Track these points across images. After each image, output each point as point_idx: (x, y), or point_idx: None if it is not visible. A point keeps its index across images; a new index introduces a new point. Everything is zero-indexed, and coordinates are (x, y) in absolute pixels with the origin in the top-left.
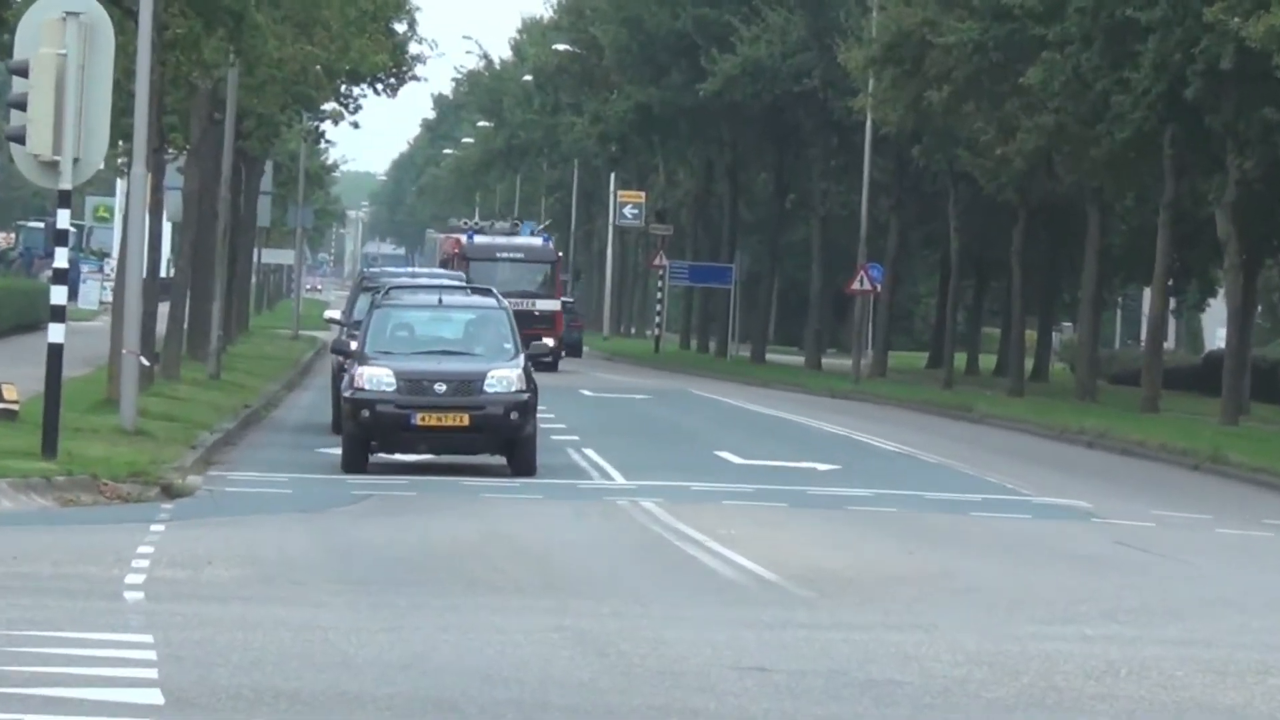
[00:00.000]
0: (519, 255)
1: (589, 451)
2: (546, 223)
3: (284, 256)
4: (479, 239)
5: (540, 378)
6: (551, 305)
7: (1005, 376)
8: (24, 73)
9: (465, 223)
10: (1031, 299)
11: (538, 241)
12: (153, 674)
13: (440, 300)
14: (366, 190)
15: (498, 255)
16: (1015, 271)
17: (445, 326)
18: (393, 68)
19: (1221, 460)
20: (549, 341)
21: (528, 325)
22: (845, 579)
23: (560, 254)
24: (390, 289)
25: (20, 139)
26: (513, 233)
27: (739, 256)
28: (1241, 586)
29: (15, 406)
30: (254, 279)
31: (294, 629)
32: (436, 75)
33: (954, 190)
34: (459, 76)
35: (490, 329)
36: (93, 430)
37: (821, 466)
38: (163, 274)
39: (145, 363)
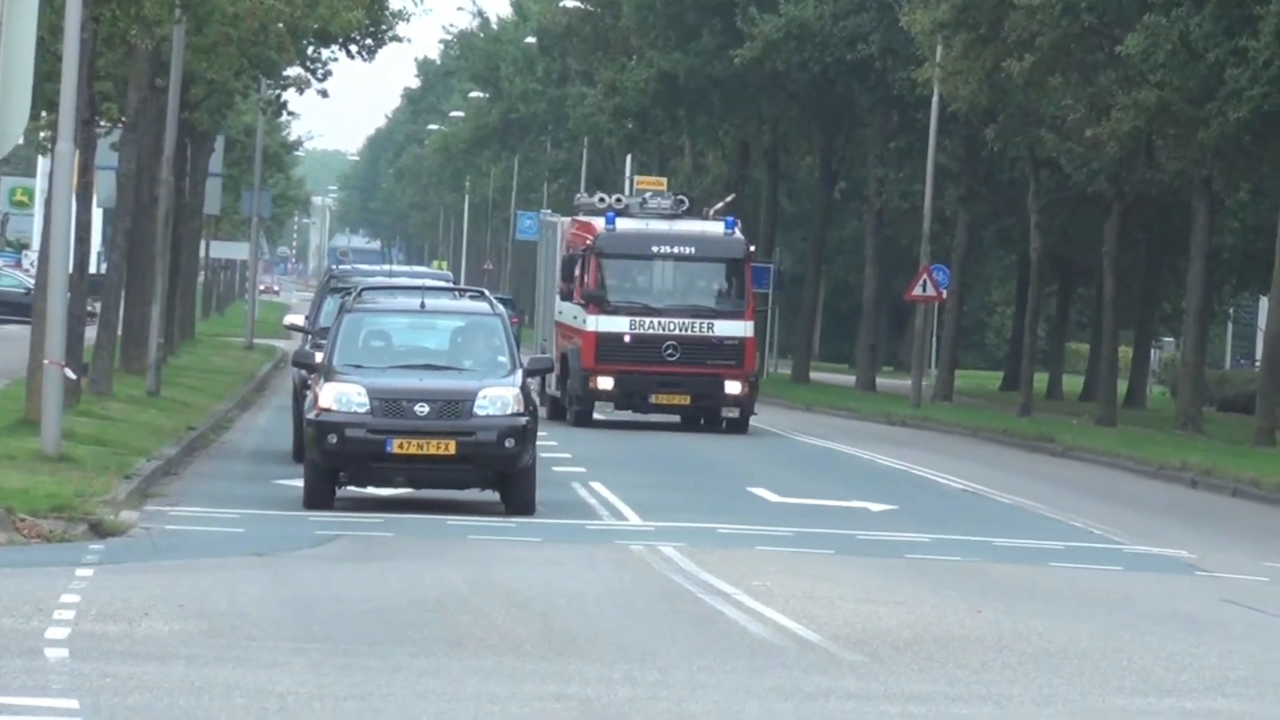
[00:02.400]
0: (689, 249)
1: (598, 486)
2: (729, 199)
3: (237, 250)
4: (624, 224)
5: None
6: (738, 329)
7: (1094, 401)
8: None
9: (601, 199)
10: (1126, 310)
11: (718, 228)
12: None
13: (423, 304)
14: (336, 172)
15: (656, 250)
16: (1107, 277)
17: (428, 336)
18: (369, 26)
19: None
20: (734, 389)
21: (699, 360)
22: (901, 640)
23: (753, 246)
24: (363, 290)
25: None
26: (678, 213)
27: (778, 255)
28: None
29: None
30: (201, 277)
31: (247, 694)
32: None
33: (1035, 179)
34: (448, 38)
35: (482, 339)
36: (8, 456)
37: (874, 507)
38: (93, 270)
39: (71, 375)
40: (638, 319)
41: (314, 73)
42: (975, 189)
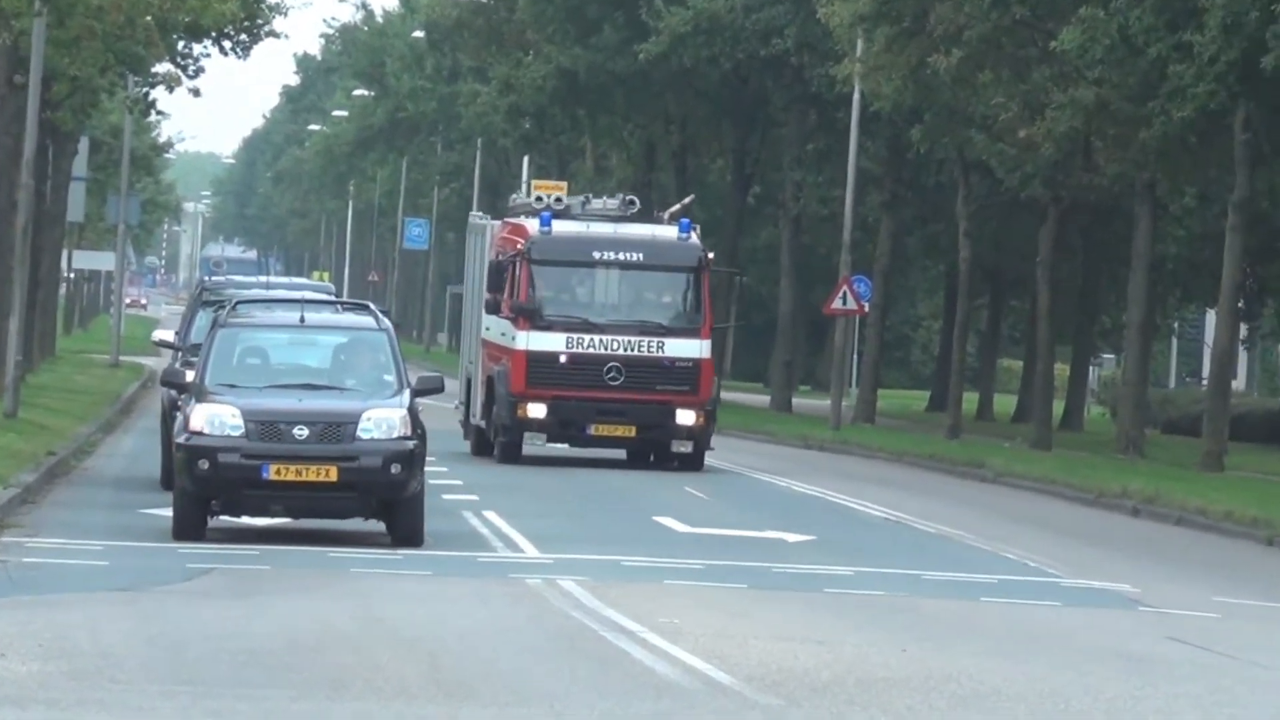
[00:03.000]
0: (636, 256)
1: (491, 516)
2: (686, 200)
3: (102, 260)
4: (561, 227)
5: (430, 417)
6: (693, 348)
7: (1028, 423)
8: None
9: (539, 198)
10: (1062, 324)
11: (670, 232)
12: None
13: (302, 318)
14: (209, 177)
15: (597, 256)
16: (1042, 288)
17: (309, 353)
18: (244, 20)
19: None
20: (686, 418)
21: (646, 384)
22: (820, 682)
23: (711, 254)
24: (237, 303)
25: None
26: (626, 215)
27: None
28: None
29: None
30: (63, 289)
31: None
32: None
33: (964, 183)
34: (329, 32)
35: (367, 356)
36: None
37: (791, 537)
38: None
39: None
40: (575, 336)
41: (185, 69)
42: (899, 194)
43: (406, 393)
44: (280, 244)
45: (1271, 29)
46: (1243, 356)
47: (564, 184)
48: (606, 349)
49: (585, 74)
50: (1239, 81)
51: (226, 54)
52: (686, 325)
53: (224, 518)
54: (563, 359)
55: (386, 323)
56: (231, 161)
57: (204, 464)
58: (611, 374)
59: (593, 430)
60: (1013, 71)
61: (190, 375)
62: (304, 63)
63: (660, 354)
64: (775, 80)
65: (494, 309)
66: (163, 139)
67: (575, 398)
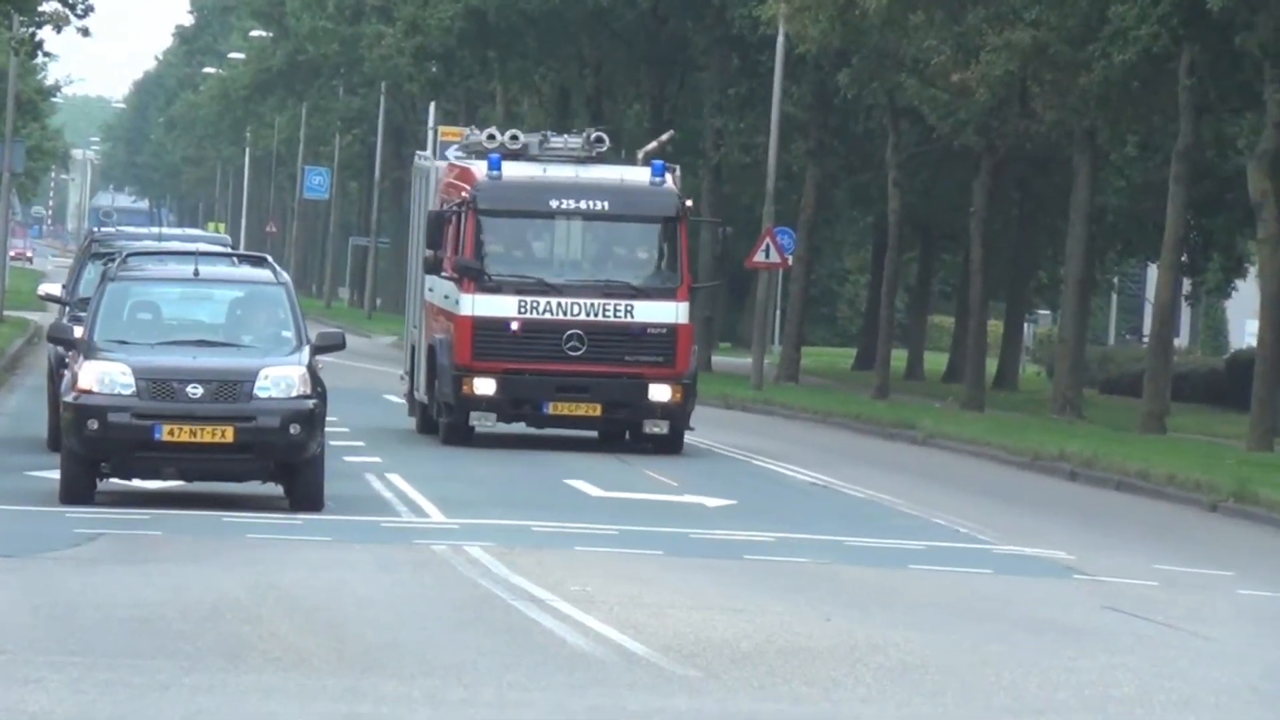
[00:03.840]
0: (602, 204)
1: (395, 478)
2: (663, 138)
3: None
4: (513, 170)
5: (330, 377)
6: (668, 312)
7: (959, 383)
8: None
9: (491, 136)
10: (996, 279)
11: (642, 175)
12: None
13: (196, 271)
14: (98, 122)
15: (555, 205)
16: (975, 241)
17: (203, 308)
18: None
19: (1248, 499)
20: (660, 394)
21: (614, 355)
22: (740, 653)
23: (690, 201)
24: (128, 256)
25: None
26: (591, 156)
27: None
28: (1270, 667)
29: None
30: None
31: None
32: None
33: (894, 131)
34: None
35: (264, 311)
36: None
37: (710, 502)
38: None
39: None
40: (530, 299)
41: (73, 8)
42: (826, 142)
43: (306, 350)
44: (173, 193)
45: None
46: (1185, 313)
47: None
48: (566, 314)
49: (495, 14)
50: (1183, 24)
51: None
52: (661, 285)
53: (114, 480)
54: (514, 326)
55: (285, 276)
56: (122, 106)
57: (93, 424)
58: (572, 343)
59: (550, 409)
60: (946, 13)
61: (78, 331)
62: (199, 1)
63: (629, 319)
64: (695, 21)
65: (435, 268)
66: (50, 82)
67: (530, 371)
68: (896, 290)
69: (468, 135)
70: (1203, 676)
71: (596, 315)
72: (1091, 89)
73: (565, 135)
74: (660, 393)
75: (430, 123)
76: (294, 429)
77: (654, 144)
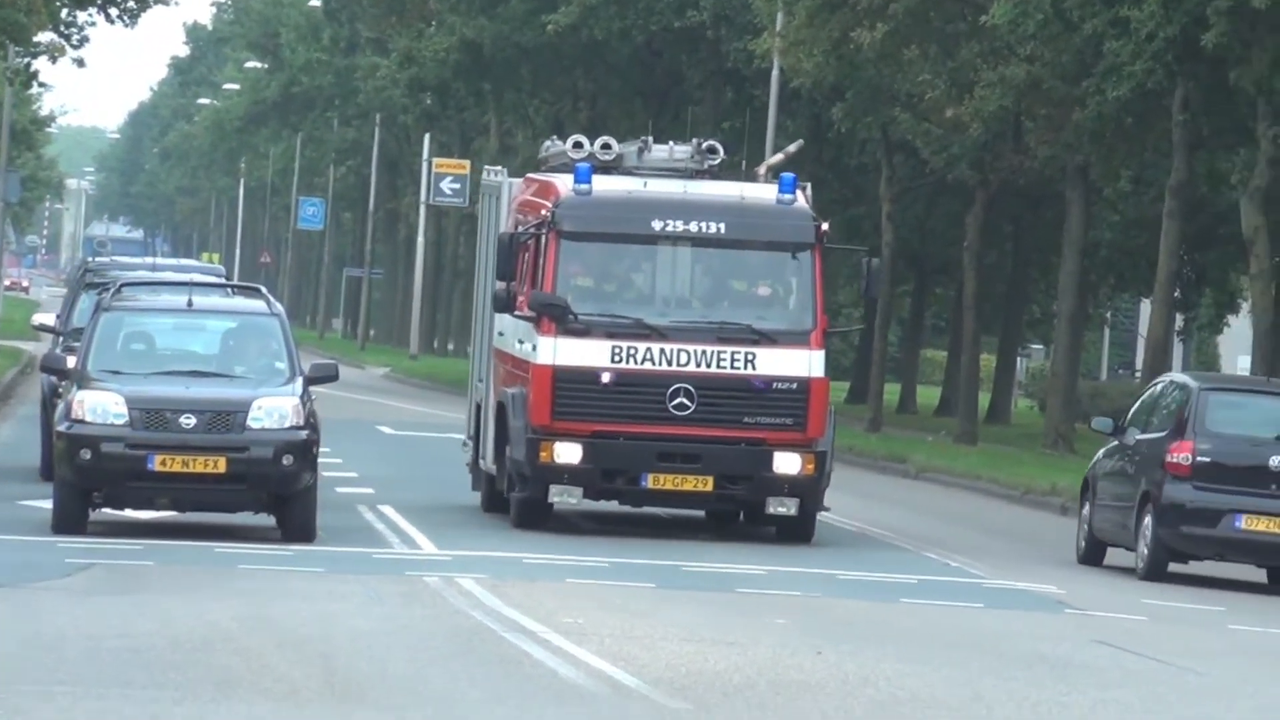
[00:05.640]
0: (717, 227)
1: (387, 510)
2: (791, 148)
3: None
4: (605, 184)
5: (324, 408)
6: (800, 362)
7: (952, 416)
8: None
9: (578, 144)
10: (990, 313)
11: (768, 193)
12: None
13: (190, 302)
14: (93, 152)
15: (658, 228)
16: (968, 275)
17: (197, 338)
18: None
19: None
20: (788, 465)
21: (730, 416)
22: (732, 685)
23: (825, 224)
24: (122, 286)
25: None
26: (702, 169)
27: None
28: (1261, 703)
29: None
30: None
31: None
32: None
33: (888, 164)
34: (221, 0)
35: (257, 342)
36: None
37: (701, 535)
38: None
39: None
40: (626, 345)
41: (69, 39)
42: (820, 175)
43: (299, 381)
44: (167, 223)
45: (1213, 4)
46: (1178, 348)
47: (466, 162)
48: (671, 363)
49: (490, 46)
50: (1177, 60)
51: (113, 22)
52: (790, 329)
53: (106, 510)
54: (606, 378)
55: (279, 307)
56: (117, 136)
57: (86, 454)
58: (678, 400)
59: (650, 481)
60: (940, 47)
61: (72, 361)
62: (194, 32)
63: (751, 370)
64: (690, 55)
65: (506, 305)
66: (45, 112)
67: (625, 434)
68: (889, 324)
69: (548, 146)
70: (1193, 712)
71: (709, 366)
72: (1085, 124)
73: (671, 144)
74: (788, 463)
75: (425, 154)
76: (287, 460)
77: (780, 155)
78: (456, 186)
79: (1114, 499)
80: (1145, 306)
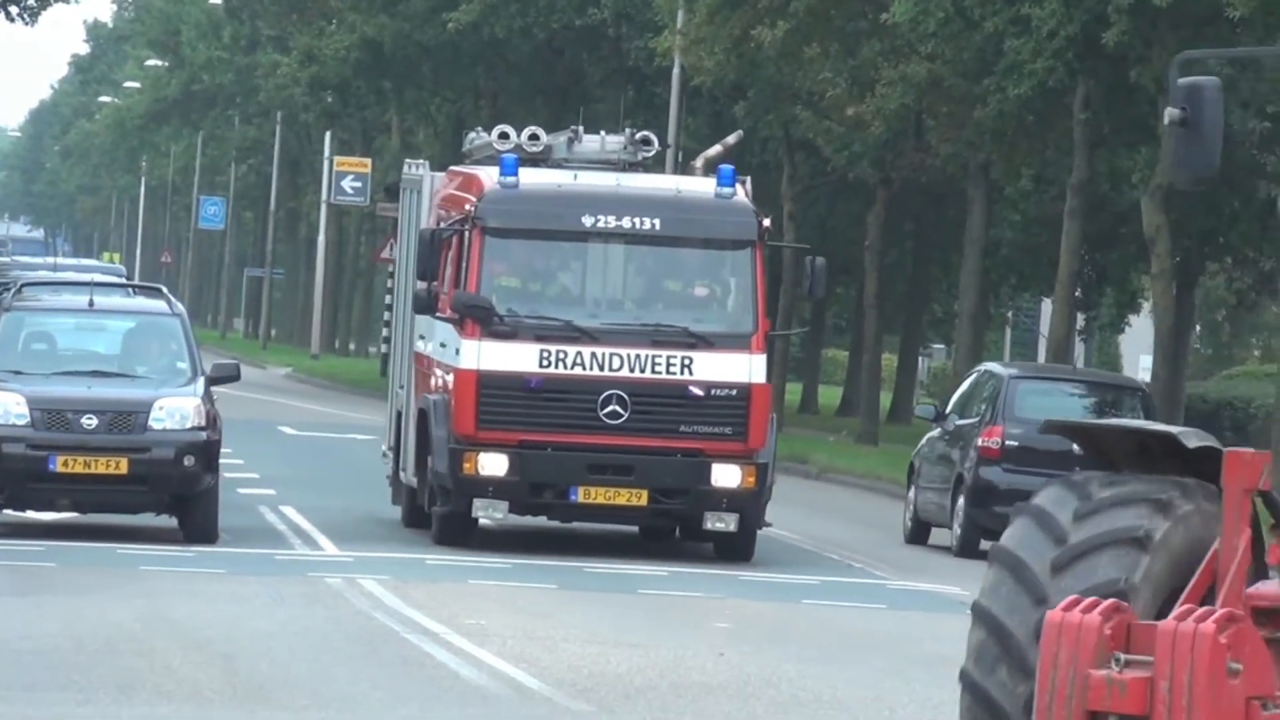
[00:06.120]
0: (652, 223)
1: (288, 511)
2: (730, 139)
3: None
4: (533, 177)
5: (225, 408)
6: (739, 367)
7: (853, 417)
8: None
9: (501, 134)
10: (891, 312)
11: (705, 186)
12: None
13: (91, 302)
14: None
15: (589, 223)
16: (870, 274)
17: (98, 338)
18: None
19: None
20: (727, 477)
21: (666, 424)
22: (633, 687)
23: (767, 221)
24: (22, 286)
25: None
26: (635, 161)
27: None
28: None
29: None
30: None
31: None
32: None
33: (789, 163)
34: None
35: (159, 342)
36: None
37: (604, 535)
38: None
39: None
40: (555, 348)
41: None
42: None
43: (201, 381)
44: (69, 223)
45: (1114, 2)
46: (1079, 347)
47: (368, 161)
48: (603, 368)
49: (391, 44)
50: (1078, 57)
51: (13, 20)
52: (729, 332)
53: (8, 511)
54: (534, 383)
55: (180, 307)
56: (17, 135)
57: None
58: (611, 408)
59: (580, 495)
60: (841, 45)
61: None
62: (94, 30)
63: (688, 376)
64: (591, 53)
65: (427, 306)
66: None
67: (554, 444)
68: (790, 324)
69: (472, 138)
70: None
71: (644, 371)
72: (987, 122)
73: (602, 134)
74: (727, 475)
75: (326, 152)
76: (188, 461)
77: (718, 147)
78: (358, 185)
79: (934, 481)
80: (1046, 305)
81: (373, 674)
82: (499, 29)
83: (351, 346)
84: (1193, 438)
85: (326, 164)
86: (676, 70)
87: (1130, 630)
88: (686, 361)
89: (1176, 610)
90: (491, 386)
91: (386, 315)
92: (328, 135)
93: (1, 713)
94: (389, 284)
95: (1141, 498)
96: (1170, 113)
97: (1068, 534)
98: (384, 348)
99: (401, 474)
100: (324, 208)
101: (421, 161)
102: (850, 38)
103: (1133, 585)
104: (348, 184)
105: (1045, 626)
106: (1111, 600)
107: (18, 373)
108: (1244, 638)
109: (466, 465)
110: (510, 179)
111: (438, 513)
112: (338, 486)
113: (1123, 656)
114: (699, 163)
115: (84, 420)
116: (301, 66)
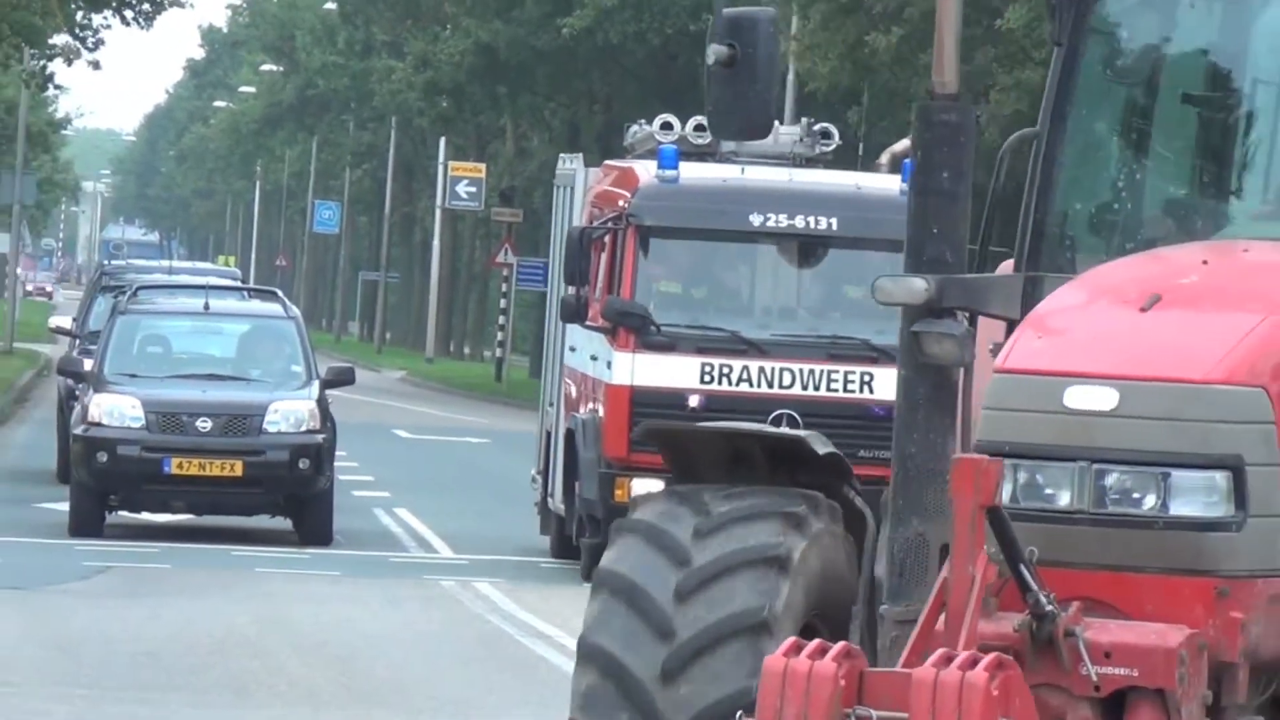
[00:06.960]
0: (829, 222)
1: (403, 514)
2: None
3: None
4: (695, 171)
5: (340, 411)
6: None
7: None
8: None
9: (664, 125)
10: None
11: (886, 184)
12: None
13: (206, 305)
14: (109, 155)
15: (757, 223)
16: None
17: (213, 341)
18: None
19: None
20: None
21: (849, 450)
22: None
23: None
24: (138, 289)
25: None
26: (813, 155)
27: None
28: None
29: None
30: None
31: None
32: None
33: None
34: (236, 2)
35: (273, 345)
36: None
37: None
38: None
39: None
40: (718, 362)
41: (84, 41)
42: None
43: (315, 384)
44: (183, 226)
45: None
46: None
47: (482, 166)
48: (772, 385)
49: (506, 49)
50: None
51: (128, 24)
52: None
53: (123, 513)
54: (694, 401)
55: (295, 310)
56: (132, 139)
57: (102, 456)
58: (782, 429)
59: None
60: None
61: (88, 364)
62: (209, 35)
63: (869, 395)
64: (705, 58)
65: (575, 314)
66: (60, 114)
67: None
68: None
69: (634, 131)
70: None
71: (819, 388)
72: None
73: (776, 124)
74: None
75: (440, 157)
76: (303, 463)
77: (906, 141)
78: (472, 190)
79: None
80: None
81: (487, 677)
82: (613, 34)
83: (466, 350)
84: (819, 442)
85: (441, 169)
86: (790, 76)
87: (864, 680)
88: (867, 378)
89: (935, 656)
90: (646, 404)
91: (501, 319)
92: (442, 140)
93: (115, 715)
94: (503, 288)
95: (771, 511)
96: (715, 50)
97: (690, 555)
98: (499, 352)
99: (550, 501)
100: (438, 212)
101: (575, 155)
102: (964, 44)
103: (775, 614)
104: (462, 189)
105: (765, 677)
106: (842, 644)
107: (133, 375)
108: (1013, 688)
109: (618, 492)
110: (670, 172)
111: (586, 544)
112: (452, 490)
113: (874, 713)
114: (884, 158)
115: (199, 423)
116: (416, 71)
